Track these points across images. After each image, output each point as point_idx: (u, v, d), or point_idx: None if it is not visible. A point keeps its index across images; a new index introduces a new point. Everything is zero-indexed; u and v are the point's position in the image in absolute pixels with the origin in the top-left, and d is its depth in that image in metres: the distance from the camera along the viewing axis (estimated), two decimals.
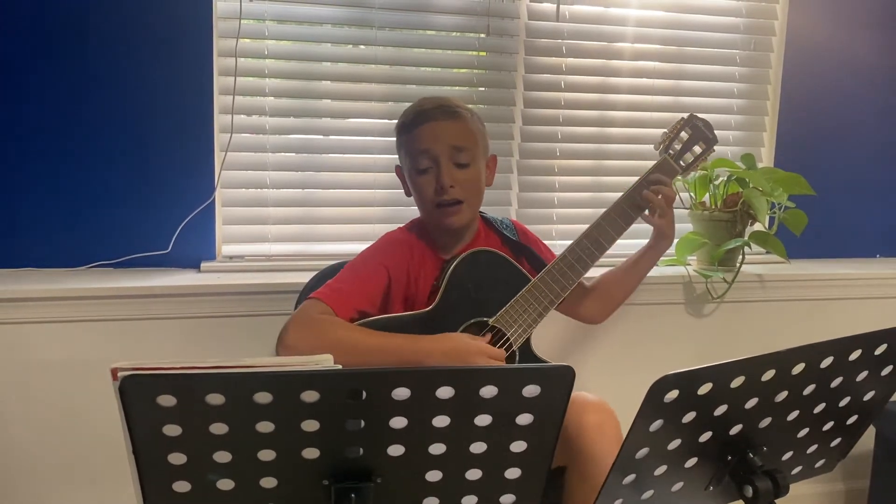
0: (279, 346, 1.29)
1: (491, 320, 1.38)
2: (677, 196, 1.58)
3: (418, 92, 1.99)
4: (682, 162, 1.52)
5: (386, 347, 1.28)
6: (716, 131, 1.54)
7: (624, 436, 1.34)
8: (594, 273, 1.53)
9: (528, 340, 1.40)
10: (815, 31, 2.22)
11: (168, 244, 1.85)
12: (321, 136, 1.97)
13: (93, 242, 1.82)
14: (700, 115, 1.54)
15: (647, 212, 1.49)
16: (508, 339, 1.37)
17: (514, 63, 2.05)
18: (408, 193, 1.48)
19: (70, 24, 1.74)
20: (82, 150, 1.79)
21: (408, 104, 1.97)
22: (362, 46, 1.96)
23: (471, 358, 1.27)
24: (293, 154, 1.96)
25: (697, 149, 1.53)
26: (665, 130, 1.54)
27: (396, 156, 1.49)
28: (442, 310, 1.36)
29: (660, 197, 1.46)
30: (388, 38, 1.96)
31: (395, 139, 1.48)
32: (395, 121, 1.97)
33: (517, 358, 1.39)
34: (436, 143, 1.39)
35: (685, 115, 1.54)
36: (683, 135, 1.53)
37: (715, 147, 1.54)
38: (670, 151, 1.51)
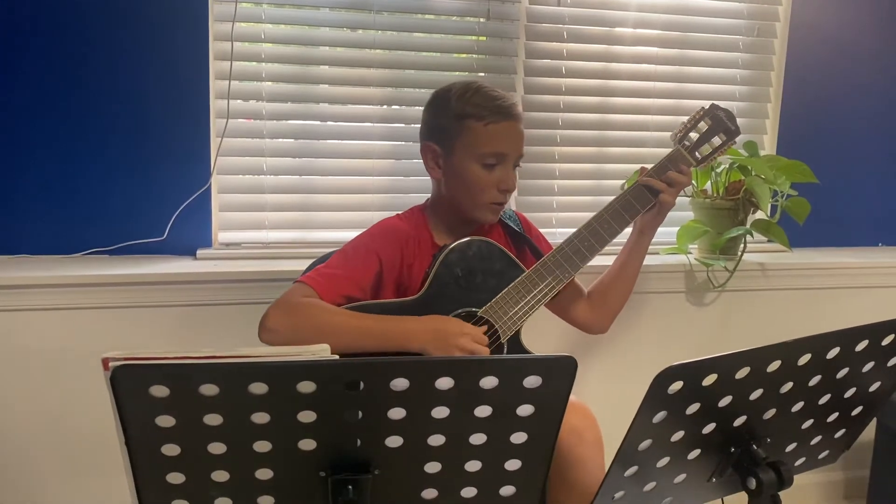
0: (261, 329, 1.28)
1: (480, 311, 1.35)
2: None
3: (417, 77, 1.97)
4: (697, 154, 1.47)
5: (368, 329, 1.26)
6: None
7: (604, 439, 1.34)
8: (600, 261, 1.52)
9: (517, 333, 1.37)
10: (819, 18, 2.19)
11: (164, 231, 1.83)
12: (319, 122, 1.94)
13: (87, 229, 1.80)
14: (722, 105, 1.49)
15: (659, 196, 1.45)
16: (497, 330, 1.35)
17: (514, 48, 2.02)
18: (435, 174, 1.43)
19: (64, 8, 1.71)
20: (76, 136, 1.76)
21: (407, 90, 1.98)
22: (360, 31, 1.93)
23: (453, 339, 1.25)
24: (290, 140, 1.93)
25: (717, 140, 1.47)
26: (684, 120, 1.49)
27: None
28: (430, 298, 1.34)
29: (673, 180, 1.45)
30: (387, 22, 1.93)
31: (431, 117, 1.42)
32: (395, 106, 1.98)
33: (505, 350, 1.36)
34: (512, 146, 1.39)
35: (706, 105, 1.49)
36: (702, 125, 1.47)
37: (736, 139, 1.49)
38: (685, 143, 1.47)
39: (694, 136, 1.47)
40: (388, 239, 1.41)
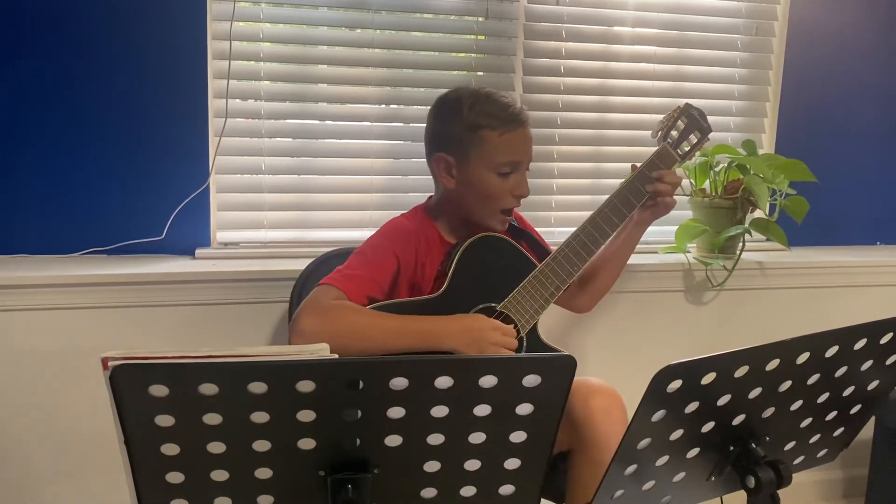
0: (292, 332, 1.27)
1: (499, 306, 1.37)
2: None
3: (416, 76, 1.97)
4: (679, 150, 1.52)
5: (401, 329, 1.27)
6: (716, 117, 1.55)
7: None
8: None
9: (535, 326, 1.39)
10: (817, 16, 2.19)
11: (162, 230, 1.83)
12: (317, 122, 1.94)
13: (86, 229, 1.79)
14: (694, 104, 1.54)
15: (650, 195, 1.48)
16: (516, 324, 1.36)
17: (513, 47, 2.02)
18: (447, 183, 1.41)
19: (63, 8, 1.70)
20: (75, 136, 1.76)
21: (406, 89, 1.98)
22: (359, 30, 1.92)
23: (485, 335, 1.27)
24: (289, 139, 1.93)
25: (693, 138, 1.53)
26: (661, 118, 1.54)
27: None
28: (450, 295, 1.35)
29: (666, 183, 1.47)
30: (386, 21, 1.93)
31: (442, 127, 1.40)
32: (393, 106, 1.97)
33: (525, 344, 1.38)
34: (526, 153, 1.40)
35: (681, 104, 1.54)
36: (680, 123, 1.53)
37: (710, 136, 1.55)
38: (668, 140, 1.51)
39: (675, 133, 1.52)
40: (402, 238, 1.41)
